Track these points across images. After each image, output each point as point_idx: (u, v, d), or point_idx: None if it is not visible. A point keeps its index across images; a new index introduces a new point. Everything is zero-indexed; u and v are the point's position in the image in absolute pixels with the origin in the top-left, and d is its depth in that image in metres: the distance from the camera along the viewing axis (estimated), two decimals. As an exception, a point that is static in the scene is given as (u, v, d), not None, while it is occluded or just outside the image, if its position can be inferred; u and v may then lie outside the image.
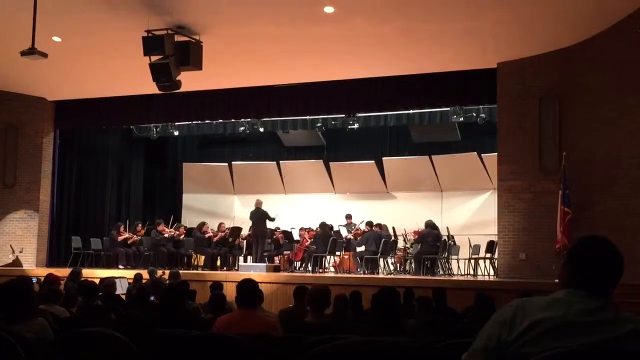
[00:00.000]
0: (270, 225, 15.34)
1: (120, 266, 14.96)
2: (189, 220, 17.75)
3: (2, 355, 3.31)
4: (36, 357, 3.50)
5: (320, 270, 14.49)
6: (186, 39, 11.13)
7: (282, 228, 15.95)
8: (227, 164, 18.94)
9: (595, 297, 2.23)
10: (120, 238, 15.36)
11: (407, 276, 13.68)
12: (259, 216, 14.93)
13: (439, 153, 16.78)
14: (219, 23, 11.23)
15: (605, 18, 11.04)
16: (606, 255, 2.30)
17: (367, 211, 16.32)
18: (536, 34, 11.56)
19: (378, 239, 14.13)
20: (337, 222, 15.98)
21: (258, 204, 15.14)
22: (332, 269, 15.25)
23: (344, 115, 15.56)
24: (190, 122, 16.65)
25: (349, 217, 16.18)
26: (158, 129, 17.08)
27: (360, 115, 15.47)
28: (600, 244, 2.34)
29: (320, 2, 10.44)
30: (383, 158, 17.32)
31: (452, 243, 14.75)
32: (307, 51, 12.46)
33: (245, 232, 15.85)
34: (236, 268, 15.04)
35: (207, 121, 16.44)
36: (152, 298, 7.75)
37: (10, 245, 15.59)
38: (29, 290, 4.01)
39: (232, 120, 16.27)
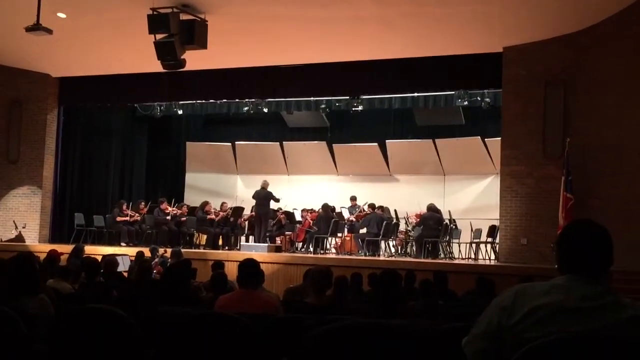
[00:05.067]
0: (272, 205, 15.35)
1: (123, 243, 15.02)
2: (192, 199, 17.77)
3: (4, 330, 3.34)
4: (38, 332, 3.52)
5: (322, 252, 14.52)
6: (191, 17, 11.06)
7: (285, 209, 15.97)
8: (230, 143, 18.94)
9: (595, 283, 2.24)
10: (120, 219, 15.41)
11: (408, 259, 13.71)
12: (264, 197, 14.93)
13: (443, 137, 16.76)
14: (225, 2, 11.15)
15: (613, 4, 10.95)
16: (593, 237, 2.30)
17: (369, 193, 16.30)
18: (543, 19, 11.47)
19: (380, 222, 14.14)
20: (340, 204, 15.99)
21: (264, 184, 15.13)
22: (333, 250, 15.29)
23: (348, 97, 15.51)
24: (194, 102, 16.62)
25: (353, 199, 16.13)
26: (162, 108, 17.06)
27: (364, 97, 15.41)
28: (586, 227, 2.34)
29: (326, -18, 10.38)
30: (386, 141, 17.30)
31: (454, 227, 14.76)
32: (313, 32, 12.39)
33: (247, 212, 15.87)
34: (238, 248, 15.06)
35: (211, 101, 16.41)
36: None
37: (14, 221, 15.64)
38: (33, 266, 4.04)
39: (236, 100, 16.22)
